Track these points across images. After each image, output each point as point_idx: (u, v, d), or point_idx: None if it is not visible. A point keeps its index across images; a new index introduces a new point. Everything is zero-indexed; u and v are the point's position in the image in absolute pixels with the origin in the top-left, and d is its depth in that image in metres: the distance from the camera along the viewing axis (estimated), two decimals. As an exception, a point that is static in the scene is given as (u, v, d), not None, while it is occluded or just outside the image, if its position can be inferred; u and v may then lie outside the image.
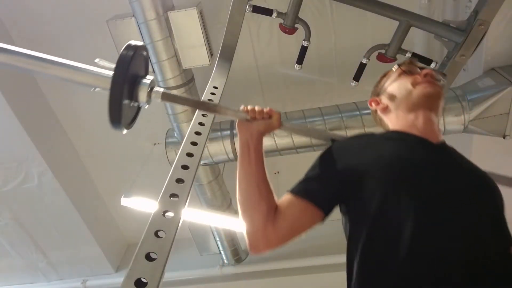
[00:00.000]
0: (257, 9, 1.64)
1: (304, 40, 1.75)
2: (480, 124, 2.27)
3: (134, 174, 3.26)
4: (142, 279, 0.67)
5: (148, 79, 0.95)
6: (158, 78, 2.50)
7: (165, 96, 0.97)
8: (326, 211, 0.90)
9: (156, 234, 0.75)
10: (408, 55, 1.64)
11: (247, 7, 1.54)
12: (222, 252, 3.70)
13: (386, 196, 0.80)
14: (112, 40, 2.42)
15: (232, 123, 2.68)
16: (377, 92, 1.14)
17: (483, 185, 0.87)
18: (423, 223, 0.76)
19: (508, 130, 2.26)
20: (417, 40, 2.72)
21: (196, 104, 1.10)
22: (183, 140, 1.03)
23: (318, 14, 2.72)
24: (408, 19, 1.55)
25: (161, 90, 0.97)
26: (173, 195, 0.84)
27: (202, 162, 2.61)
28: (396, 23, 1.58)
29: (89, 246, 3.82)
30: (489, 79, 2.29)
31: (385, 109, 1.08)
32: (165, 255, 0.72)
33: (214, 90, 1.32)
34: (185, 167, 0.93)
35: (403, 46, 1.63)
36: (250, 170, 0.96)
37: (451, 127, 2.32)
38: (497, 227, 0.80)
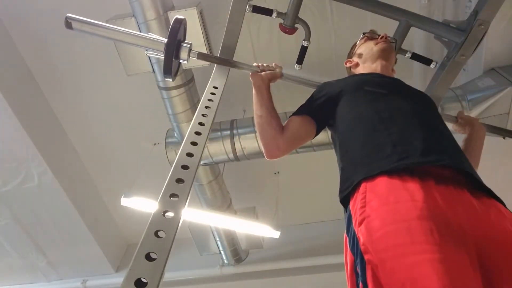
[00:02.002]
0: (257, 9, 1.64)
1: (304, 40, 1.75)
2: (480, 124, 2.27)
3: (134, 174, 3.26)
4: (142, 279, 0.67)
5: (187, 43, 1.29)
6: (158, 78, 2.50)
7: (200, 55, 1.33)
8: (319, 121, 1.26)
9: (156, 234, 0.75)
10: (408, 55, 1.64)
11: (247, 7, 1.54)
12: (222, 252, 3.70)
13: (356, 97, 1.20)
14: (112, 40, 2.42)
15: (232, 123, 2.69)
16: (350, 55, 1.56)
17: (420, 94, 1.28)
18: (378, 107, 1.13)
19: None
20: (417, 40, 2.72)
21: (220, 61, 1.42)
22: (183, 140, 1.03)
23: (318, 14, 2.72)
24: (408, 19, 1.55)
25: (197, 51, 1.31)
26: (173, 195, 0.84)
27: (202, 162, 2.61)
28: (396, 23, 1.58)
29: (89, 246, 3.82)
30: (489, 79, 2.30)
31: (356, 65, 1.49)
32: (165, 255, 0.72)
33: (214, 90, 1.32)
34: (185, 167, 0.93)
35: (403, 46, 1.62)
36: (263, 103, 1.30)
37: (451, 127, 2.32)
38: (432, 114, 1.19)
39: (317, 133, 1.28)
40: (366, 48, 1.46)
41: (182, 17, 1.23)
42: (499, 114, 2.24)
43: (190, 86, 2.61)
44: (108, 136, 3.40)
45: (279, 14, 1.67)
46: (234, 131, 2.62)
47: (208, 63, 2.44)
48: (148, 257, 0.70)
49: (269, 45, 2.90)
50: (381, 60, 1.40)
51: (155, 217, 0.79)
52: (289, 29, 1.71)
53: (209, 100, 1.24)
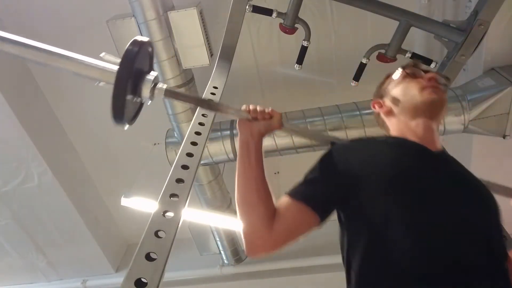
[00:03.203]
0: (257, 9, 1.64)
1: (304, 40, 1.75)
2: (480, 124, 2.27)
3: (134, 174, 3.26)
4: (142, 279, 0.67)
5: (152, 75, 0.94)
6: (158, 78, 2.50)
7: (168, 93, 0.97)
8: (323, 216, 0.90)
9: (156, 234, 0.75)
10: (408, 55, 1.64)
11: (247, 7, 1.54)
12: (222, 252, 3.70)
13: (383, 202, 0.81)
14: (112, 40, 2.42)
15: (232, 123, 2.68)
16: (380, 94, 1.13)
17: (479, 194, 0.88)
18: (418, 227, 0.77)
19: (508, 130, 2.25)
20: (417, 40, 2.72)
21: (198, 102, 1.07)
22: (183, 140, 1.03)
23: (318, 14, 2.72)
24: (408, 19, 1.55)
25: (164, 86, 0.96)
26: (173, 195, 0.84)
27: (202, 162, 2.61)
28: (396, 23, 1.58)
29: (89, 246, 3.82)
30: (489, 79, 2.29)
31: (389, 112, 1.07)
32: (165, 255, 0.72)
33: (214, 90, 1.32)
34: (185, 167, 0.93)
35: (403, 46, 1.63)
36: (250, 171, 0.96)
37: (451, 127, 2.32)
38: (490, 233, 0.82)
39: (321, 225, 0.92)
40: (406, 93, 1.02)
41: (145, 39, 0.92)
42: (499, 114, 2.24)
43: (190, 86, 2.61)
44: (108, 136, 3.40)
45: (279, 14, 1.67)
46: (234, 131, 2.62)
47: (208, 63, 2.47)
48: (148, 257, 0.70)
49: (269, 45, 2.89)
50: (426, 119, 0.98)
51: (155, 217, 0.79)
52: (289, 29, 1.71)
53: (209, 100, 1.24)
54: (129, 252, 4.27)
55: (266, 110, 1.04)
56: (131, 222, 3.76)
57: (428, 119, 0.99)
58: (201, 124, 1.11)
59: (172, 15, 2.29)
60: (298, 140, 2.48)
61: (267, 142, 2.54)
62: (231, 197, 3.33)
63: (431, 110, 0.98)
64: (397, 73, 1.09)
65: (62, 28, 2.84)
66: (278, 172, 3.50)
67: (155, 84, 0.94)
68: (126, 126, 0.92)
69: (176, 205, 0.82)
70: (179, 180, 0.89)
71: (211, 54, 2.49)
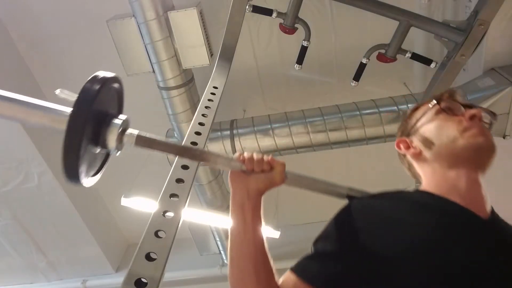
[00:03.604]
0: (257, 9, 1.64)
1: (304, 40, 1.75)
2: (480, 124, 2.27)
3: (134, 174, 3.26)
4: (142, 279, 0.67)
5: (120, 118, 0.76)
6: (158, 78, 2.50)
7: (140, 141, 0.77)
8: None
9: (156, 234, 0.75)
10: (408, 55, 1.64)
11: (247, 7, 1.54)
12: (222, 252, 3.70)
13: None
14: (112, 40, 2.42)
15: (232, 123, 2.68)
16: (406, 131, 0.91)
17: None
18: None
19: (508, 130, 2.26)
20: (417, 40, 2.72)
21: (178, 151, 0.84)
22: (183, 140, 1.03)
23: (318, 14, 2.72)
24: (408, 19, 1.55)
25: (135, 133, 0.77)
26: (173, 195, 0.84)
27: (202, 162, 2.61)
28: (396, 23, 1.58)
29: (89, 246, 3.82)
30: (489, 79, 2.30)
31: (418, 156, 0.85)
32: (165, 255, 0.72)
33: (214, 90, 1.32)
34: (185, 167, 0.93)
35: (403, 46, 1.63)
36: (246, 244, 0.77)
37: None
38: None
39: None
40: (442, 134, 0.81)
41: (110, 75, 0.72)
42: (499, 114, 2.24)
43: (190, 86, 2.61)
44: (108, 136, 3.40)
45: (279, 14, 1.67)
46: (234, 131, 2.62)
47: (208, 63, 2.47)
48: (148, 257, 0.70)
49: (269, 45, 2.89)
50: (469, 169, 0.77)
51: (155, 217, 0.79)
52: (289, 29, 1.71)
53: (209, 100, 1.25)
54: (129, 252, 4.27)
55: (265, 158, 0.83)
56: (131, 222, 3.76)
57: (472, 170, 0.77)
58: (201, 124, 1.11)
59: (172, 15, 2.29)
60: (298, 140, 2.48)
61: (267, 142, 2.54)
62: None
63: (476, 159, 0.77)
64: (430, 107, 0.87)
65: (62, 28, 2.84)
66: (278, 172, 3.49)
67: (124, 130, 0.76)
68: (88, 183, 0.73)
69: (176, 205, 0.82)
70: (179, 180, 0.89)
71: (211, 54, 2.49)
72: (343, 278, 0.71)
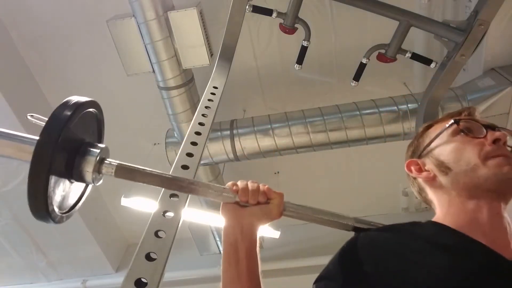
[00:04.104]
0: (257, 9, 1.64)
1: (304, 40, 1.75)
2: (480, 124, 2.27)
3: (134, 174, 3.25)
4: (142, 279, 0.67)
5: (98, 147, 0.70)
6: (158, 78, 2.50)
7: (121, 172, 0.72)
8: None
9: (156, 234, 0.75)
10: (408, 55, 1.64)
11: (247, 7, 1.54)
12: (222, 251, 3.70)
13: None
14: (112, 40, 2.42)
15: (232, 123, 2.68)
16: (418, 152, 0.81)
17: None
18: None
19: (508, 130, 2.25)
20: (417, 40, 2.72)
21: (163, 182, 0.76)
22: (183, 140, 1.03)
23: (318, 14, 2.72)
24: (408, 19, 1.55)
25: (115, 163, 0.71)
26: (173, 195, 0.84)
27: (202, 162, 2.61)
28: (396, 23, 1.58)
29: (89, 246, 3.82)
30: (489, 79, 2.30)
31: (432, 181, 0.76)
32: (165, 255, 0.72)
33: (214, 90, 1.32)
34: (185, 167, 0.93)
35: (403, 46, 1.62)
36: (239, 284, 0.70)
37: (451, 127, 2.32)
38: None
39: None
40: (461, 158, 0.71)
41: (84, 99, 0.65)
42: (499, 114, 2.24)
43: (190, 86, 2.61)
44: (108, 136, 3.39)
45: (279, 14, 1.67)
46: (234, 131, 2.62)
47: (208, 63, 2.47)
48: (148, 257, 0.70)
49: (269, 45, 2.89)
50: (492, 201, 0.68)
51: (155, 217, 0.79)
52: (289, 29, 1.71)
53: (209, 100, 1.24)
54: (129, 252, 4.27)
55: (261, 189, 0.75)
56: (131, 222, 3.76)
57: (495, 201, 0.67)
58: (201, 124, 1.11)
59: (172, 15, 2.29)
60: (298, 140, 2.48)
61: (267, 142, 2.54)
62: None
63: (501, 191, 0.67)
64: (446, 126, 0.76)
65: (62, 28, 2.84)
66: (278, 172, 3.50)
67: (102, 160, 0.70)
68: (63, 219, 0.67)
69: (176, 205, 0.82)
70: (179, 180, 0.89)
71: (211, 54, 2.49)
72: None
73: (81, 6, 2.74)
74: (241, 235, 0.72)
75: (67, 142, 0.61)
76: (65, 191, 0.65)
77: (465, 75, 2.45)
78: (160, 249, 0.72)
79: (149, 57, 2.42)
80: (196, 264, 3.84)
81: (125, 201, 2.85)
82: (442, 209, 0.74)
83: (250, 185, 0.75)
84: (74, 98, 0.63)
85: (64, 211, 0.67)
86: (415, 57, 1.65)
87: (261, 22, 2.78)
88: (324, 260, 0.79)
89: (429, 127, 0.82)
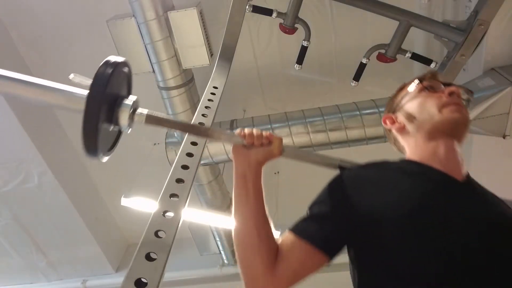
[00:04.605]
0: (257, 9, 1.64)
1: (304, 40, 1.75)
2: (480, 124, 2.27)
3: (134, 174, 3.26)
4: (142, 279, 0.67)
5: (131, 99, 0.83)
6: (158, 78, 2.50)
7: (150, 119, 0.85)
8: (332, 255, 0.80)
9: (156, 234, 0.75)
10: (408, 55, 1.64)
11: (247, 7, 1.54)
12: (222, 252, 3.70)
13: (404, 246, 0.72)
14: (112, 40, 2.42)
15: (232, 123, 2.68)
16: (392, 108, 1.00)
17: (509, 227, 0.76)
18: (442, 269, 0.68)
19: (508, 130, 2.26)
20: (417, 40, 2.72)
21: (186, 128, 0.94)
22: (183, 140, 1.03)
23: (318, 14, 2.72)
24: (408, 19, 1.55)
25: (145, 112, 0.85)
26: (173, 195, 0.84)
27: (202, 162, 2.61)
28: (396, 23, 1.58)
29: (89, 246, 3.82)
30: (489, 79, 2.30)
31: (402, 130, 0.95)
32: (165, 255, 0.72)
33: (214, 90, 1.32)
34: (185, 167, 0.93)
35: (403, 46, 1.62)
36: (248, 207, 0.86)
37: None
38: None
39: (329, 263, 0.82)
40: (423, 109, 0.90)
41: (120, 59, 0.78)
42: (499, 114, 2.24)
43: (190, 86, 2.61)
44: (108, 136, 3.40)
45: (279, 14, 1.67)
46: (235, 131, 2.62)
47: (208, 63, 2.47)
48: (148, 257, 0.70)
49: (269, 45, 2.89)
50: (447, 140, 0.86)
51: (155, 217, 0.79)
52: (289, 29, 1.71)
53: (209, 100, 1.25)
54: (129, 252, 4.28)
55: (264, 134, 0.91)
56: (131, 222, 3.76)
57: (449, 140, 0.86)
58: (201, 124, 1.11)
59: (172, 15, 2.29)
60: (298, 140, 2.48)
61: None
62: (231, 197, 3.32)
63: (453, 131, 0.86)
64: (413, 85, 0.96)
65: (62, 28, 2.84)
66: (278, 172, 3.50)
67: (135, 110, 0.83)
68: (104, 158, 0.81)
69: (176, 205, 0.82)
70: (179, 180, 0.89)
71: (211, 54, 2.49)
72: (338, 237, 0.80)
73: (81, 6, 2.74)
74: (249, 168, 0.89)
75: (109, 95, 0.75)
76: (106, 135, 0.79)
77: (465, 75, 2.45)
78: (160, 249, 0.72)
79: (149, 57, 2.42)
80: (196, 264, 3.84)
81: (125, 201, 2.85)
82: (410, 150, 0.93)
83: (254, 131, 0.91)
84: (112, 58, 0.76)
85: (104, 152, 0.81)
86: (415, 57, 1.65)
87: (261, 22, 2.78)
88: None
89: (401, 88, 1.01)
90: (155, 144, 3.44)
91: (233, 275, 3.79)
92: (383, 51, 1.69)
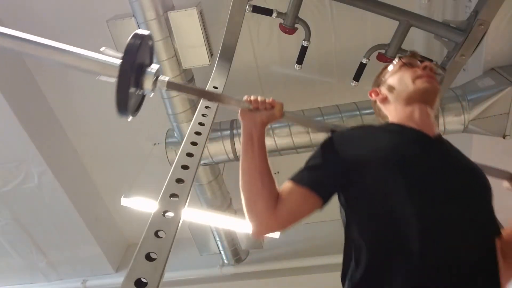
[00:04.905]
0: (257, 9, 1.64)
1: (304, 40, 1.75)
2: (480, 124, 2.27)
3: (134, 174, 3.26)
4: (142, 279, 0.67)
5: (154, 68, 0.97)
6: (158, 78, 2.50)
7: (170, 85, 0.99)
8: (326, 199, 0.94)
9: (156, 234, 0.75)
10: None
11: (247, 7, 1.54)
12: (222, 252, 3.70)
13: (384, 186, 0.86)
14: (112, 40, 2.42)
15: (232, 123, 2.69)
16: (377, 83, 1.18)
17: (475, 178, 0.94)
18: (418, 206, 0.82)
19: (508, 130, 2.26)
20: (417, 40, 2.72)
21: (200, 93, 1.09)
22: (183, 140, 1.03)
23: (318, 14, 2.72)
24: (408, 19, 1.55)
25: (166, 79, 0.98)
26: (173, 195, 0.84)
27: (202, 162, 2.61)
28: (396, 23, 1.58)
29: (89, 246, 3.82)
30: (489, 79, 2.30)
31: (384, 100, 1.12)
32: (165, 255, 0.72)
33: (214, 90, 1.32)
34: (185, 167, 0.93)
35: (403, 46, 1.63)
36: (253, 160, 0.99)
37: (451, 127, 2.32)
38: (487, 217, 0.89)
39: (323, 207, 0.95)
40: (401, 81, 1.07)
41: (146, 32, 0.92)
42: (499, 114, 2.24)
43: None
44: (108, 136, 3.40)
45: (279, 14, 1.67)
46: (234, 131, 2.62)
47: (208, 63, 2.47)
48: (148, 257, 0.70)
49: (269, 45, 2.89)
50: (421, 105, 1.03)
51: (155, 217, 0.79)
52: (289, 29, 1.71)
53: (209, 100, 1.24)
54: (129, 252, 4.27)
55: (267, 100, 1.06)
56: (131, 222, 3.76)
57: (422, 103, 1.03)
58: (201, 124, 1.11)
59: (172, 15, 2.29)
60: (298, 140, 2.48)
61: (267, 142, 2.54)
62: (231, 197, 3.33)
63: (424, 98, 1.03)
64: (395, 63, 1.14)
65: (62, 28, 2.84)
66: (278, 172, 3.49)
67: (157, 77, 0.97)
68: (130, 118, 0.95)
69: (176, 205, 0.82)
70: (179, 180, 0.89)
71: (211, 54, 2.49)
72: (330, 183, 0.94)
73: (81, 6, 2.74)
74: (255, 128, 1.03)
75: (137, 64, 0.89)
76: (132, 98, 0.92)
77: (465, 75, 2.45)
78: (160, 249, 0.72)
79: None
80: (196, 264, 3.84)
81: (125, 201, 2.85)
82: (391, 115, 1.10)
83: (259, 97, 1.06)
84: (140, 31, 0.90)
85: (131, 112, 0.95)
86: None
87: (261, 22, 2.78)
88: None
89: (385, 67, 1.18)
90: (155, 144, 3.44)
91: (233, 275, 3.79)
92: (383, 51, 1.69)
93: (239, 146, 2.62)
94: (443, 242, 0.79)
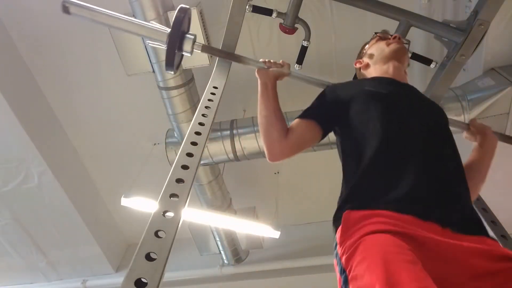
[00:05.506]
0: (257, 9, 1.64)
1: (304, 40, 1.75)
2: (480, 124, 2.27)
3: (134, 174, 3.26)
4: (142, 279, 0.67)
5: (192, 34, 1.26)
6: (158, 78, 2.50)
7: (204, 48, 1.31)
8: (325, 129, 1.22)
9: (156, 234, 0.75)
10: (408, 55, 1.63)
11: (247, 7, 1.54)
12: (222, 252, 3.70)
13: (366, 110, 1.13)
14: (112, 40, 2.42)
15: (232, 123, 2.69)
16: (360, 56, 1.49)
17: (432, 107, 1.24)
18: (389, 125, 1.07)
19: (508, 130, 2.26)
20: (417, 40, 2.72)
21: (227, 55, 1.43)
22: (183, 140, 1.03)
23: (318, 14, 2.72)
24: (408, 19, 1.55)
25: (201, 43, 1.28)
26: (173, 195, 0.84)
27: (202, 162, 2.61)
28: (396, 23, 1.58)
29: (89, 246, 3.82)
30: (489, 79, 2.30)
31: (366, 66, 1.42)
32: (165, 255, 0.72)
33: (214, 90, 1.32)
34: (185, 167, 0.93)
35: (403, 46, 1.62)
36: (268, 103, 1.28)
37: (451, 127, 2.32)
38: (443, 133, 1.16)
39: (322, 138, 1.23)
40: (378, 49, 1.39)
41: (187, 7, 1.20)
42: (499, 114, 2.24)
43: (190, 86, 2.61)
44: (108, 136, 3.40)
45: (279, 14, 1.67)
46: (234, 131, 2.62)
47: (208, 63, 2.46)
48: (148, 257, 0.70)
49: (269, 45, 2.89)
50: (393, 62, 1.33)
51: (155, 217, 0.79)
52: (289, 29, 1.71)
53: (209, 100, 1.25)
54: (129, 252, 4.28)
55: (278, 62, 1.39)
56: (131, 222, 3.77)
57: (395, 60, 1.34)
58: (201, 124, 1.11)
59: (172, 15, 2.28)
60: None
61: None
62: (231, 197, 3.33)
63: (396, 55, 1.34)
64: (372, 38, 1.47)
65: (62, 28, 2.84)
66: (278, 172, 3.50)
67: (194, 41, 1.26)
68: (173, 72, 1.31)
69: (176, 205, 0.82)
70: (179, 180, 0.89)
71: (211, 54, 2.49)
72: (329, 116, 1.23)
73: (81, 6, 2.74)
74: (269, 80, 1.34)
75: (182, 31, 1.22)
76: (176, 58, 1.24)
77: (465, 75, 2.45)
78: (160, 249, 0.72)
79: (149, 57, 2.42)
80: (196, 264, 3.84)
81: (125, 201, 2.85)
82: (371, 75, 1.38)
83: (272, 60, 1.39)
84: (183, 7, 1.21)
85: (175, 68, 1.27)
86: (415, 57, 1.65)
87: (261, 22, 2.78)
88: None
89: (365, 44, 1.50)
90: (155, 144, 3.44)
91: (233, 275, 3.79)
92: (383, 51, 1.68)
93: (239, 146, 2.62)
94: (402, 132, 1.06)
